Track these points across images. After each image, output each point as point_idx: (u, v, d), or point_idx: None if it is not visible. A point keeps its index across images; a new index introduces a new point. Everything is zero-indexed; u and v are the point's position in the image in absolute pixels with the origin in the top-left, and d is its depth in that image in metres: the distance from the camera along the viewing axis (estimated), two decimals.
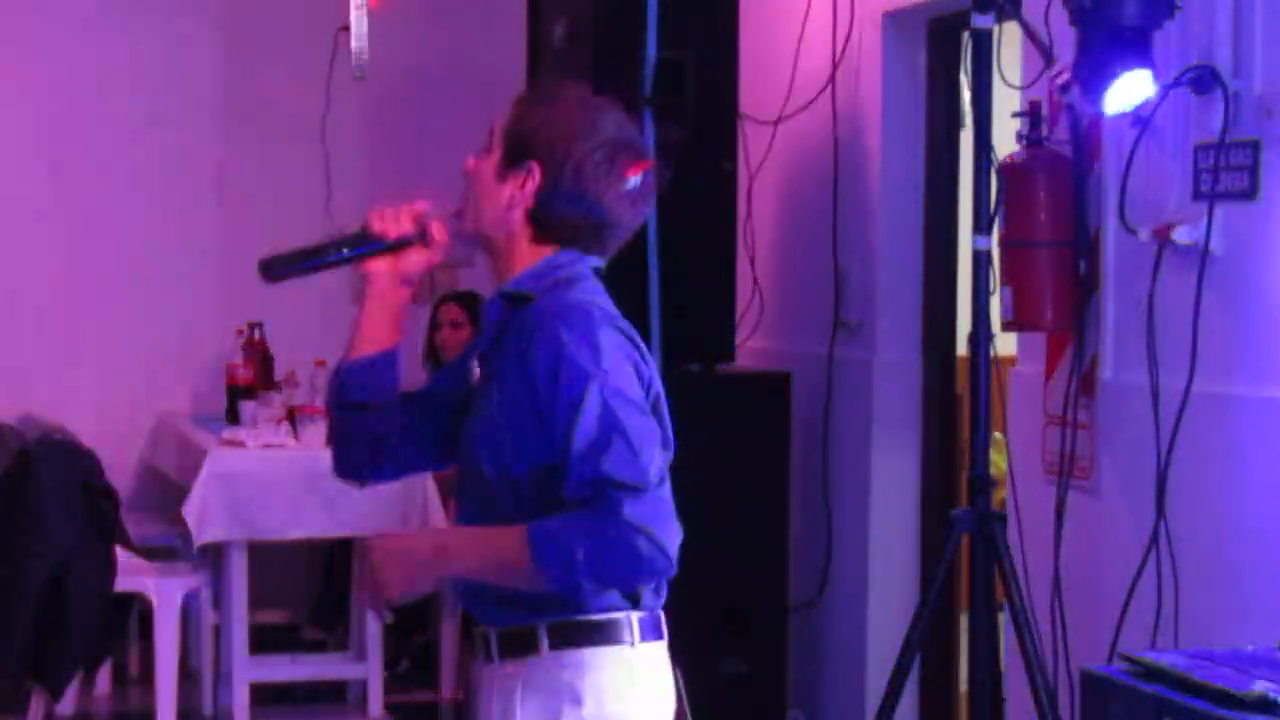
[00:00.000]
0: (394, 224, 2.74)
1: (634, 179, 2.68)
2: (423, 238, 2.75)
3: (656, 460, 2.56)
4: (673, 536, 2.51)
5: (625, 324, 2.66)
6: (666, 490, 2.55)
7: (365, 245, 2.76)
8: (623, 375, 2.57)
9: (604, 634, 2.62)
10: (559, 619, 2.60)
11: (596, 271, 2.71)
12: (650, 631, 2.65)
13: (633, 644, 2.62)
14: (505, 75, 5.86)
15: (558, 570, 2.49)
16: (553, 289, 2.64)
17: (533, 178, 2.66)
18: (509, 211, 2.68)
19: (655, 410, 2.64)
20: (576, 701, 2.59)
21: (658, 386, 2.67)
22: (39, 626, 5.60)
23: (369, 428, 2.80)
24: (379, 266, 2.78)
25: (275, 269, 2.75)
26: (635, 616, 2.63)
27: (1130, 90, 3.97)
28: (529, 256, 2.69)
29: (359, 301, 2.83)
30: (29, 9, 7.18)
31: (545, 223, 2.67)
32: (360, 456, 2.84)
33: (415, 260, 2.76)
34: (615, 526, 2.48)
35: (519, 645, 2.63)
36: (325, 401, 2.90)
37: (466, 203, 2.74)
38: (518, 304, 2.66)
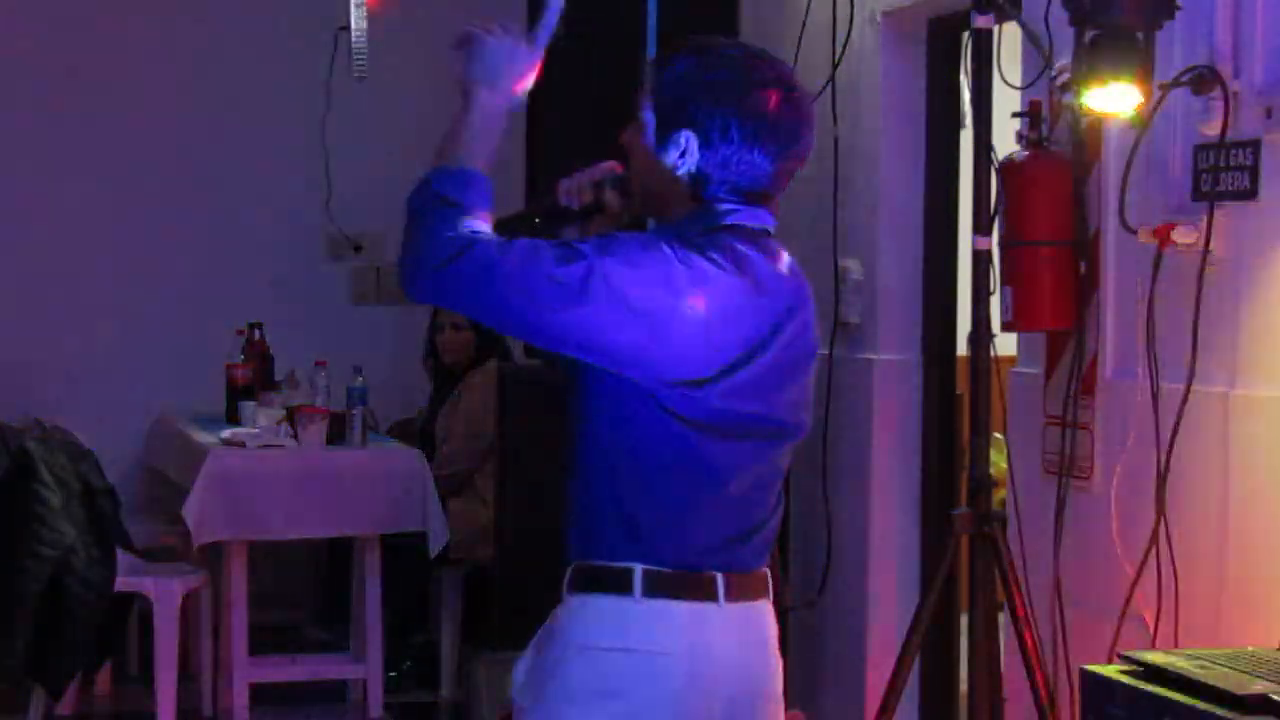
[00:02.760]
0: (578, 195, 2.83)
1: (780, 125, 2.72)
2: (600, 207, 2.83)
3: (520, 256, 2.55)
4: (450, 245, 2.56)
5: (723, 258, 2.65)
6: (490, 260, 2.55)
7: (556, 218, 2.84)
8: (624, 261, 2.58)
9: (600, 580, 2.67)
10: (578, 561, 2.70)
11: (754, 230, 2.73)
12: (664, 586, 2.67)
13: (634, 596, 2.65)
14: None
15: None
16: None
17: (689, 145, 2.71)
18: (669, 179, 2.74)
19: (750, 361, 2.66)
20: (566, 646, 2.67)
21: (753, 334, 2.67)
22: (39, 626, 5.60)
23: None
24: None
25: None
26: (641, 569, 2.66)
27: (1129, 91, 3.97)
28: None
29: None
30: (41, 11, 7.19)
31: (703, 185, 2.72)
32: None
33: (598, 225, 2.83)
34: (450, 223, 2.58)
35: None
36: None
37: (632, 175, 2.81)
38: None
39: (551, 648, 2.71)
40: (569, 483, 2.74)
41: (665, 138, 2.73)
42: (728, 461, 2.70)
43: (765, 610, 2.80)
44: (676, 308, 2.59)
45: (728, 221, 2.72)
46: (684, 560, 2.68)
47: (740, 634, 2.74)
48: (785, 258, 2.78)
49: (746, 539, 2.75)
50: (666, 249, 2.62)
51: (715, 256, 2.65)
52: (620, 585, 2.66)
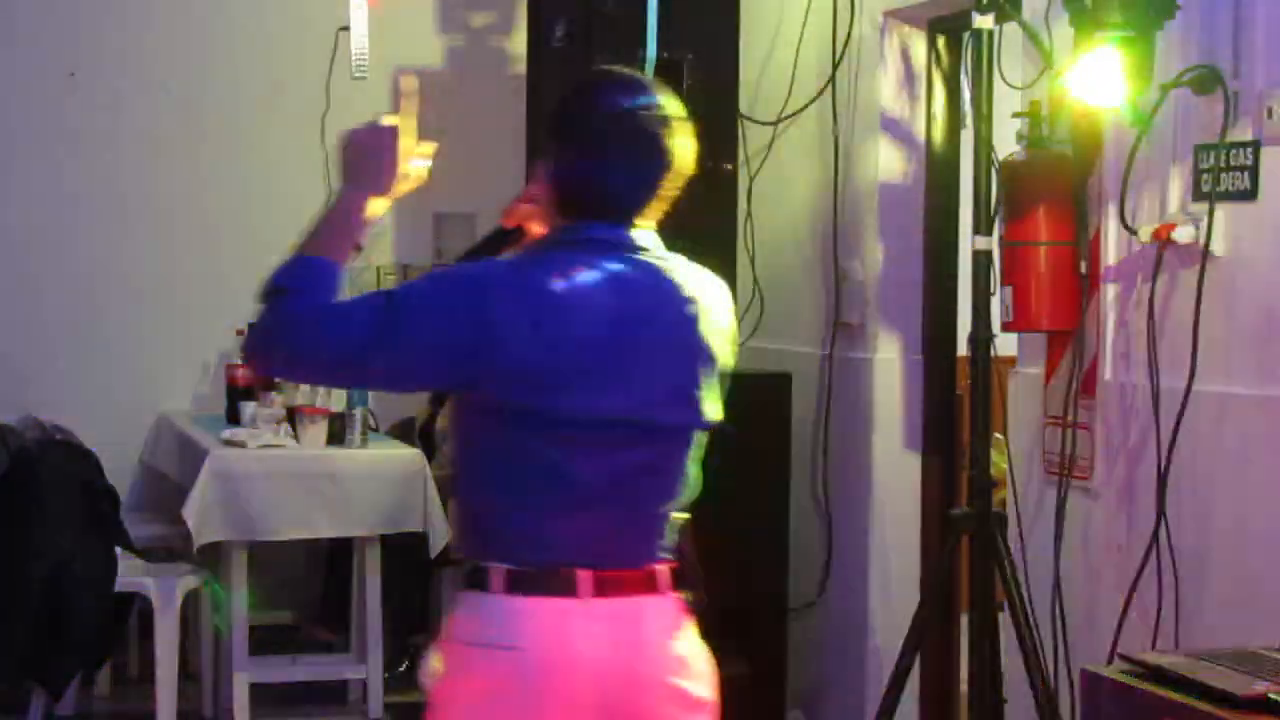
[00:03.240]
0: (509, 218, 3.00)
1: (634, 144, 2.82)
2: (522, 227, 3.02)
3: (352, 325, 2.73)
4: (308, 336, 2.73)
5: (551, 267, 2.76)
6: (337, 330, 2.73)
7: (502, 239, 3.02)
8: (424, 293, 2.75)
9: (472, 579, 2.81)
10: (462, 559, 2.87)
11: (605, 242, 2.82)
12: (522, 584, 2.76)
13: (490, 591, 2.77)
14: (505, 75, 5.85)
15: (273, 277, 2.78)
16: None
17: (549, 160, 2.87)
18: (546, 195, 2.88)
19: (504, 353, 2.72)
20: (446, 640, 2.86)
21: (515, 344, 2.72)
22: (39, 626, 5.60)
23: None
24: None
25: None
26: (503, 568, 2.76)
27: (1129, 90, 3.97)
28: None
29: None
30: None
31: (562, 196, 2.86)
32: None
33: (526, 242, 2.98)
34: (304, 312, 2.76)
35: None
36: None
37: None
38: None
39: (442, 641, 2.88)
40: None
41: (540, 155, 2.91)
42: (582, 462, 2.76)
43: (653, 607, 2.83)
44: (489, 321, 2.69)
45: (578, 235, 2.83)
46: (540, 558, 2.76)
47: (613, 631, 2.77)
48: (652, 265, 2.85)
49: (616, 536, 2.80)
50: (481, 269, 2.78)
51: (540, 266, 2.76)
52: (482, 583, 2.79)
